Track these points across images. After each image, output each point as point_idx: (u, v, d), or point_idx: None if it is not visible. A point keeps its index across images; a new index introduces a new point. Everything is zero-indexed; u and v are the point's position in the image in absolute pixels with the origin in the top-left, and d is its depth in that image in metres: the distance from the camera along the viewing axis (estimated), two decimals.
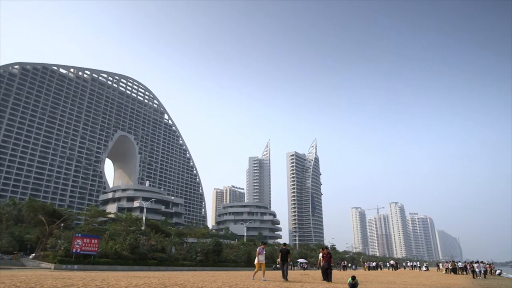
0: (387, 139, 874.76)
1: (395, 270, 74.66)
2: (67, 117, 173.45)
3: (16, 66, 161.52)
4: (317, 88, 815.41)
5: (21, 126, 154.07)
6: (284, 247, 22.44)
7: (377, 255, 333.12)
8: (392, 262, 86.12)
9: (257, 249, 21.41)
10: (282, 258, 21.66)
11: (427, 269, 75.46)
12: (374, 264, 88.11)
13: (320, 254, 22.89)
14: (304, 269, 73.15)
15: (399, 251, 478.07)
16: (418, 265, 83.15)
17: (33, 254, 45.63)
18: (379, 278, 33.34)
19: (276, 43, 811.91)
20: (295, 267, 78.08)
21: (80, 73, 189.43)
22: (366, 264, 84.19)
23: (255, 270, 21.48)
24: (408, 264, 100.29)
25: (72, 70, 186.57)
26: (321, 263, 22.58)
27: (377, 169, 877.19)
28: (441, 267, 61.76)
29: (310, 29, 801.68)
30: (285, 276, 21.67)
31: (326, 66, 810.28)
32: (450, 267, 56.66)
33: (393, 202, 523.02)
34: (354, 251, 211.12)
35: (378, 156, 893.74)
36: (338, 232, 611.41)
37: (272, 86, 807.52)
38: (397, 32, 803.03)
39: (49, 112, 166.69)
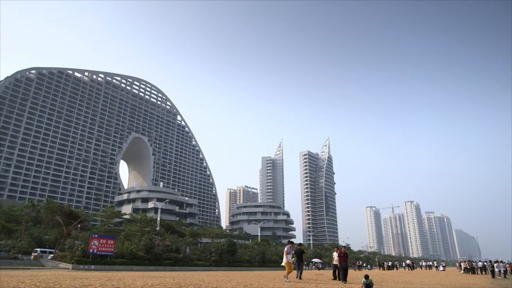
0: (400, 138, 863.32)
1: (411, 270, 73.57)
2: (82, 120, 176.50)
3: (32, 71, 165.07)
4: (328, 89, 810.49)
5: (38, 129, 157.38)
6: (299, 247, 22.92)
7: (393, 254, 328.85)
8: (408, 261, 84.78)
9: (285, 249, 20.64)
10: (297, 258, 22.25)
11: (444, 269, 74.18)
12: (390, 263, 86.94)
13: (335, 253, 22.66)
14: (319, 268, 72.82)
15: (415, 251, 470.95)
16: (435, 264, 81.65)
17: (52, 255, 46.59)
18: (395, 278, 32.93)
19: (287, 44, 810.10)
20: (309, 267, 77.69)
21: (94, 77, 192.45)
22: (385, 264, 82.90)
23: (287, 271, 20.36)
24: (423, 263, 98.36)
25: (86, 73, 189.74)
26: (335, 262, 22.34)
27: (391, 168, 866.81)
28: (462, 266, 60.44)
29: (320, 29, 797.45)
30: (299, 276, 22.12)
31: (337, 67, 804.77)
32: (468, 267, 55.53)
33: (409, 201, 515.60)
34: (369, 251, 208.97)
35: (392, 155, 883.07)
36: (353, 232, 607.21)
37: (283, 87, 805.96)
38: (401, 32, 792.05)
39: (65, 115, 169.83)
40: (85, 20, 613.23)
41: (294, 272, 22.11)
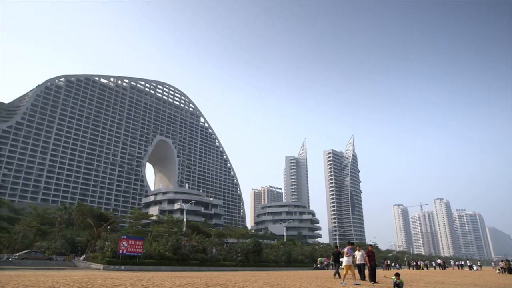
0: (423, 136, 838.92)
1: (442, 269, 71.31)
2: (109, 124, 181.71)
3: (61, 79, 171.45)
4: (350, 88, 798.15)
5: (68, 135, 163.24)
6: (336, 249, 25.07)
7: (423, 253, 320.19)
8: (439, 261, 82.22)
9: (345, 250, 19.91)
10: (334, 259, 24.51)
11: (480, 268, 71.52)
12: (422, 263, 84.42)
13: (357, 252, 21.68)
14: None
15: (446, 250, 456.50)
16: (469, 264, 78.77)
17: (84, 256, 48.14)
18: (426, 278, 32.01)
19: (308, 44, 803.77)
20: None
21: (119, 82, 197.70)
22: (421, 263, 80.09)
23: (345, 273, 19.54)
24: (452, 263, 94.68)
25: (112, 79, 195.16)
26: (358, 262, 21.26)
27: (418, 166, 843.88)
28: (500, 265, 57.75)
29: (339, 30, 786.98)
30: (336, 275, 24.21)
31: (357, 67, 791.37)
32: (505, 267, 53.18)
33: (438, 198, 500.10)
34: (398, 250, 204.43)
35: (418, 153, 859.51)
36: (380, 231, 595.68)
37: (306, 87, 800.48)
38: (407, 31, 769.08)
39: (93, 120, 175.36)
40: (106, 25, 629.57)
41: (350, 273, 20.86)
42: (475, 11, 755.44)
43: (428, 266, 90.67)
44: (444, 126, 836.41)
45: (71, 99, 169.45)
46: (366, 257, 20.89)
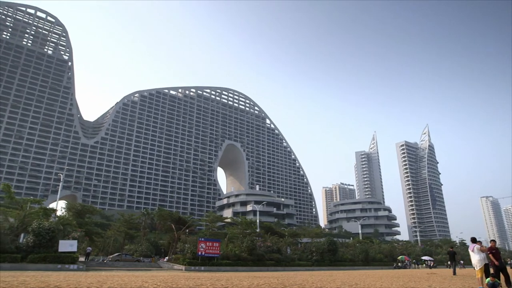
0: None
1: None
2: (180, 133, 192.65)
3: (136, 95, 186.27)
4: (418, 74, 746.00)
5: (145, 145, 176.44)
6: (451, 249, 30.79)
7: None
8: None
9: (477, 247, 16.09)
10: (450, 258, 30.00)
11: None
12: None
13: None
14: (430, 267, 67.14)
15: None
16: None
17: (167, 257, 51.41)
18: None
19: (364, 44, 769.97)
20: (420, 266, 72.19)
21: (186, 92, 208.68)
22: None
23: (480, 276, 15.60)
24: None
25: (180, 90, 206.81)
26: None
27: (507, 152, 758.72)
28: None
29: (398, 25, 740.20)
30: (454, 272, 28.13)
31: (415, 58, 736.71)
32: None
33: None
34: None
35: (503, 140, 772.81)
36: (466, 225, 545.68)
37: (365, 86, 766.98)
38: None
39: (166, 130, 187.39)
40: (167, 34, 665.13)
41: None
42: None
43: None
44: None
45: (145, 112, 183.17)
46: (496, 256, 16.56)
